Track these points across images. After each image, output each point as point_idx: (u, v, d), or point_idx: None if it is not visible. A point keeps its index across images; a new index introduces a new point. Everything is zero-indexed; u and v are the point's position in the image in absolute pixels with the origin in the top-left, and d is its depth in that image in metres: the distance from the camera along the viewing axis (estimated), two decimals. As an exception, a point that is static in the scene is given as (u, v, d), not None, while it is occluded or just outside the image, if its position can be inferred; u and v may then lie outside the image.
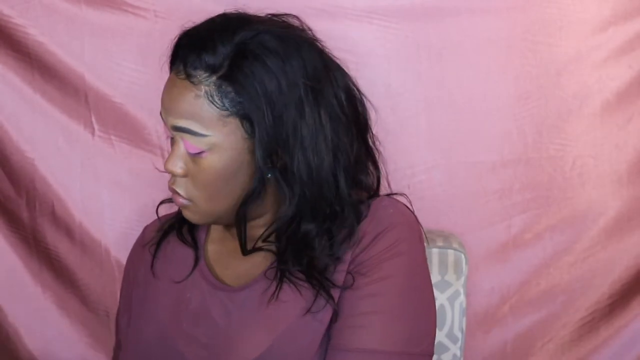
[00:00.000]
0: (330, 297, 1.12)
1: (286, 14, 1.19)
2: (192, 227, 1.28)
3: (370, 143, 1.23)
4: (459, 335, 1.43)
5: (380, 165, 1.24)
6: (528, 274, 1.62)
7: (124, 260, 1.41)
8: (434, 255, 1.43)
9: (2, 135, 1.57)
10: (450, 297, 1.41)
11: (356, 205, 1.18)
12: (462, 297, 1.42)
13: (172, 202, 1.29)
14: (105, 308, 1.62)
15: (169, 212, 1.34)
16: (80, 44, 1.54)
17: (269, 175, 1.14)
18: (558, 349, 1.63)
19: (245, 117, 1.11)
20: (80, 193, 1.59)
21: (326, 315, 1.12)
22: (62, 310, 1.62)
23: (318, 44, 1.18)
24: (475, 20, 1.54)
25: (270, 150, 1.12)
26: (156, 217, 1.33)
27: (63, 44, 1.54)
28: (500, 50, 1.55)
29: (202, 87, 1.10)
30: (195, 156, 1.12)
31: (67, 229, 1.60)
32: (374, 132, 1.24)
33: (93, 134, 1.57)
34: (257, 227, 1.20)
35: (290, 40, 1.13)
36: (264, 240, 1.18)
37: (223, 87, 1.10)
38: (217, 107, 1.10)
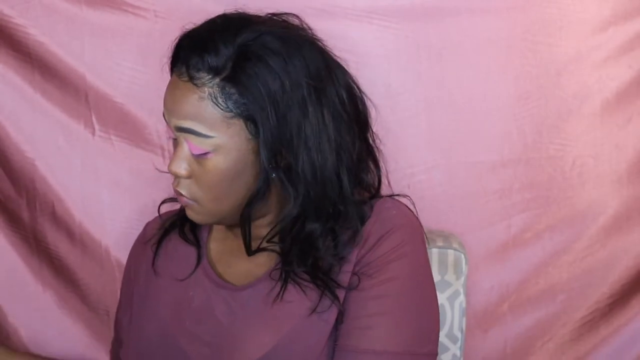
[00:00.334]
0: (336, 297, 1.13)
1: (286, 13, 1.19)
2: (194, 226, 1.29)
3: (371, 142, 1.24)
4: (459, 335, 1.43)
5: (381, 164, 1.24)
6: (528, 273, 1.62)
7: (124, 259, 1.41)
8: (434, 255, 1.43)
9: (3, 134, 1.57)
10: (450, 297, 1.41)
11: (359, 205, 1.18)
12: (462, 297, 1.43)
13: (173, 201, 1.30)
14: (106, 307, 1.62)
15: (169, 210, 1.35)
16: (80, 44, 1.54)
17: (273, 175, 1.14)
18: (558, 348, 1.63)
19: (249, 118, 1.11)
20: (81, 193, 1.59)
21: (331, 315, 1.13)
22: (62, 309, 1.62)
23: (319, 43, 1.19)
24: (475, 20, 1.54)
25: (275, 151, 1.12)
26: (157, 215, 1.34)
27: (63, 44, 1.54)
28: (500, 50, 1.55)
29: (206, 89, 1.11)
30: (199, 157, 1.13)
31: (68, 228, 1.60)
32: (374, 130, 1.24)
33: (93, 133, 1.57)
34: (260, 227, 1.20)
35: (292, 40, 1.14)
36: (269, 241, 1.18)
37: (227, 88, 1.10)
38: (221, 109, 1.11)
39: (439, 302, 1.40)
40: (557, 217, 1.61)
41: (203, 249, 1.26)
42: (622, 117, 1.59)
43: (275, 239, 1.18)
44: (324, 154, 1.14)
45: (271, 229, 1.18)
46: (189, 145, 1.13)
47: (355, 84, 1.21)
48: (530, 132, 1.58)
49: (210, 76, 1.11)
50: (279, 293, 1.14)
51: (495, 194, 1.60)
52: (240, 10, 1.18)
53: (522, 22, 1.54)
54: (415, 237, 1.18)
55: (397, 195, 1.24)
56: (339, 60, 1.20)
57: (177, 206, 1.35)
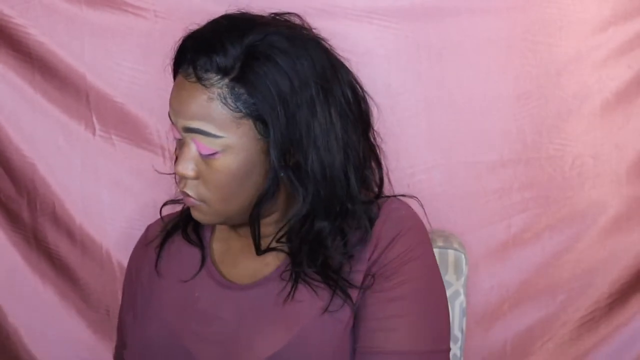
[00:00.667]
0: (348, 296, 1.13)
1: (288, 13, 1.19)
2: (197, 227, 1.28)
3: (372, 141, 1.24)
4: (459, 335, 1.43)
5: (383, 163, 1.25)
6: (527, 273, 1.62)
7: (124, 259, 1.41)
8: (434, 255, 1.43)
9: (3, 135, 1.57)
10: (450, 297, 1.41)
11: (367, 204, 1.19)
12: (462, 297, 1.43)
13: (174, 203, 1.30)
14: (106, 307, 1.62)
15: (170, 211, 1.34)
16: (80, 44, 1.54)
17: (282, 174, 1.14)
18: (558, 348, 1.63)
19: (258, 118, 1.11)
20: (81, 193, 1.59)
21: (344, 314, 1.13)
22: (62, 309, 1.62)
23: (323, 42, 1.19)
24: (475, 20, 1.54)
25: (285, 150, 1.12)
26: (159, 215, 1.34)
27: (63, 44, 1.54)
28: (500, 50, 1.55)
29: (215, 89, 1.10)
30: (207, 157, 1.12)
31: (68, 228, 1.60)
32: (375, 130, 1.25)
33: (94, 133, 1.58)
34: (267, 226, 1.21)
35: (298, 39, 1.14)
36: (278, 240, 1.19)
37: (236, 89, 1.10)
38: (231, 109, 1.10)
39: (440, 302, 1.41)
40: (557, 217, 1.61)
41: (207, 249, 1.26)
42: (622, 117, 1.59)
43: (284, 239, 1.19)
44: (332, 153, 1.14)
45: (280, 228, 1.19)
46: (197, 146, 1.13)
47: (358, 83, 1.21)
48: (530, 132, 1.58)
49: (218, 77, 1.10)
50: (289, 293, 1.14)
51: (495, 194, 1.60)
52: (242, 11, 1.18)
53: (522, 22, 1.54)
54: (425, 238, 1.21)
55: (403, 195, 1.25)
56: (342, 59, 1.20)
57: (178, 207, 1.35)
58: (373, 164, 1.24)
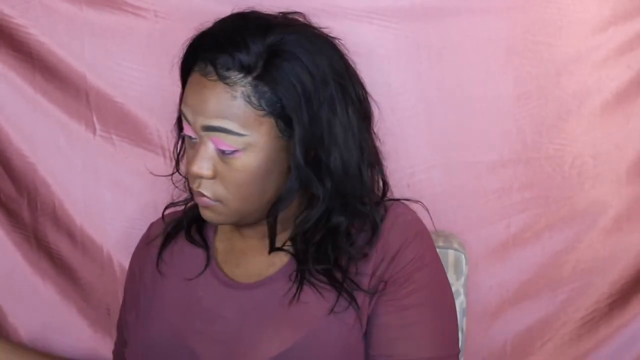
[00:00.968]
0: (353, 299, 1.13)
1: (294, 12, 1.19)
2: (201, 227, 1.28)
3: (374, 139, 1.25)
4: (459, 335, 1.42)
5: (385, 164, 1.25)
6: (527, 273, 1.62)
7: (125, 259, 1.41)
8: (434, 255, 1.43)
9: (3, 135, 1.56)
10: (450, 297, 1.41)
11: (377, 204, 1.20)
12: (462, 297, 1.43)
13: (175, 206, 1.29)
14: (107, 306, 1.62)
15: (171, 211, 1.34)
16: (80, 44, 1.54)
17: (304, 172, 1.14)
18: (557, 348, 1.63)
19: (280, 116, 1.11)
20: (82, 193, 1.59)
21: (349, 316, 1.14)
22: (62, 309, 1.62)
23: (334, 41, 1.19)
24: (475, 20, 1.54)
25: (308, 147, 1.12)
26: (160, 214, 1.33)
27: (64, 44, 1.54)
28: (500, 50, 1.55)
29: (238, 88, 1.10)
30: (227, 156, 1.12)
31: (69, 228, 1.60)
32: (375, 130, 1.25)
33: (94, 133, 1.57)
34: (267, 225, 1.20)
35: (316, 38, 1.15)
36: (292, 239, 1.19)
37: (259, 87, 1.10)
38: (254, 108, 1.10)
39: (440, 302, 1.41)
40: (557, 217, 1.61)
41: (211, 250, 1.25)
42: (622, 117, 1.59)
43: (297, 237, 1.19)
44: (350, 151, 1.15)
45: (296, 227, 1.19)
46: (218, 143, 1.12)
47: (362, 82, 1.22)
48: (530, 132, 1.58)
49: (241, 75, 1.10)
50: (295, 294, 1.14)
51: (495, 194, 1.60)
52: (251, 9, 1.18)
53: (522, 22, 1.54)
54: (432, 243, 1.22)
55: (407, 199, 1.25)
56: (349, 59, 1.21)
57: (179, 208, 1.35)
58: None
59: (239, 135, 1.10)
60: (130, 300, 1.31)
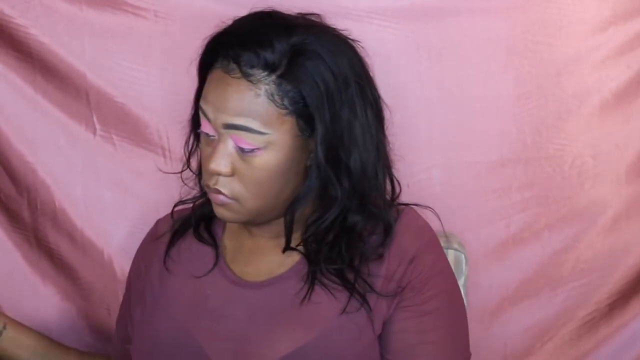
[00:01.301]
0: (365, 300, 1.14)
1: (311, 13, 1.19)
2: (208, 224, 1.28)
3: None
4: (460, 335, 1.43)
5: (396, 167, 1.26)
6: (527, 272, 1.63)
7: (125, 259, 1.41)
8: (434, 255, 1.43)
9: (3, 135, 1.56)
10: (450, 297, 1.41)
11: (390, 206, 1.21)
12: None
13: (184, 204, 1.28)
14: (107, 306, 1.61)
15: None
16: (80, 44, 1.54)
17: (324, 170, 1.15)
18: (557, 348, 1.63)
19: (301, 115, 1.11)
20: (82, 193, 1.58)
21: (360, 317, 1.14)
22: (63, 309, 1.62)
23: (352, 42, 1.19)
24: (475, 20, 1.54)
25: (329, 147, 1.12)
26: (160, 215, 1.33)
27: (64, 44, 1.53)
28: (500, 50, 1.55)
29: (262, 85, 1.10)
30: (247, 154, 1.12)
31: (69, 228, 1.59)
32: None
33: (94, 133, 1.57)
34: (280, 225, 1.20)
35: (337, 39, 1.16)
36: (307, 238, 1.18)
37: (283, 85, 1.10)
38: (277, 106, 1.10)
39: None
40: (557, 217, 1.61)
41: (220, 248, 1.25)
42: (622, 117, 1.59)
43: (311, 237, 1.19)
44: (368, 152, 1.16)
45: (309, 227, 1.19)
46: (238, 141, 1.11)
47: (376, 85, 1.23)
48: (529, 132, 1.58)
49: (265, 73, 1.10)
50: (306, 294, 1.15)
51: (495, 194, 1.60)
52: (267, 9, 1.18)
53: (522, 22, 1.54)
54: (442, 249, 1.24)
55: (416, 204, 1.26)
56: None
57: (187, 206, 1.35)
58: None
59: (261, 134, 1.10)
60: (136, 296, 1.31)
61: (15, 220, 1.60)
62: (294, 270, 1.18)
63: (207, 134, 1.15)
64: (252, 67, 1.10)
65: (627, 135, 1.59)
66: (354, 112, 1.14)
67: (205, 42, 1.16)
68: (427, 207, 1.27)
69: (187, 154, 1.27)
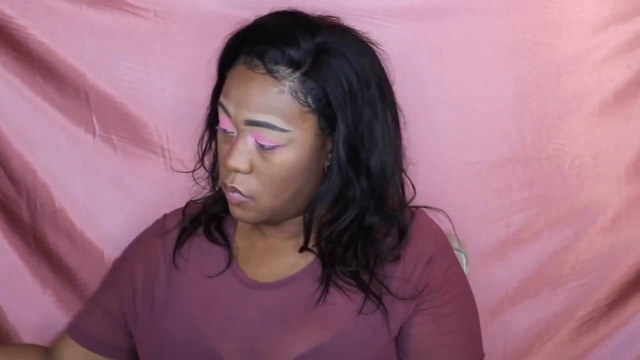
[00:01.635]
0: (381, 301, 1.14)
1: (330, 16, 1.20)
2: (219, 224, 1.27)
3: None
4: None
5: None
6: (527, 272, 1.63)
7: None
8: (434, 255, 1.43)
9: (3, 135, 1.56)
10: (451, 297, 1.42)
11: (403, 208, 1.21)
12: (463, 297, 1.43)
13: (196, 203, 1.28)
14: (106, 307, 1.62)
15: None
16: (80, 44, 1.53)
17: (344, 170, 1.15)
18: (557, 348, 1.64)
19: (323, 114, 1.12)
20: (82, 193, 1.58)
21: (377, 319, 1.14)
22: (62, 309, 1.61)
23: (373, 46, 1.20)
24: (475, 20, 1.54)
25: (351, 146, 1.12)
26: (160, 215, 1.33)
27: (64, 44, 1.53)
28: (500, 50, 1.55)
29: (286, 82, 1.10)
30: (267, 151, 1.11)
31: (68, 229, 1.59)
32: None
33: (94, 134, 1.57)
34: (292, 225, 1.20)
35: (358, 39, 1.16)
36: (326, 239, 1.18)
37: (307, 83, 1.10)
38: (300, 103, 1.10)
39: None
40: (556, 217, 1.61)
41: (232, 249, 1.25)
42: (621, 116, 1.59)
43: (327, 238, 1.19)
44: (388, 154, 1.16)
45: (330, 227, 1.18)
46: (259, 138, 1.11)
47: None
48: (529, 132, 1.58)
49: (290, 70, 1.10)
50: (321, 295, 1.15)
51: (495, 194, 1.60)
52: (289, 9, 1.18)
53: (522, 22, 1.54)
54: (452, 250, 1.25)
55: (427, 207, 1.26)
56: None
57: (178, 205, 1.34)
58: None
59: (283, 131, 1.10)
60: (144, 292, 1.28)
61: (14, 221, 1.60)
62: (307, 271, 1.18)
63: (225, 131, 1.15)
64: (276, 63, 1.10)
65: (627, 135, 1.59)
66: (375, 113, 1.14)
67: (226, 39, 1.16)
68: (438, 209, 1.27)
69: (200, 153, 1.26)
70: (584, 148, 1.59)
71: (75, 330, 1.34)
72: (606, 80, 1.57)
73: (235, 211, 1.17)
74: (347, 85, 1.11)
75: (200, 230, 1.27)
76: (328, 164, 1.16)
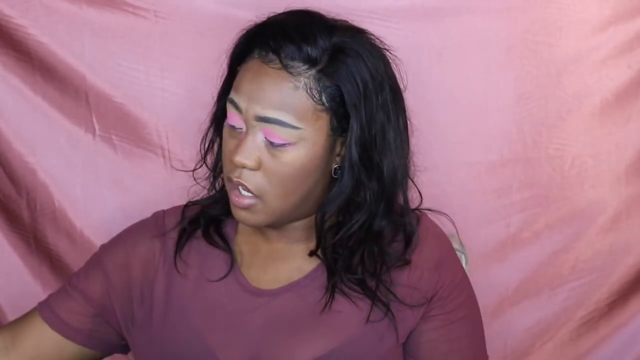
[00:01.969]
0: (388, 309, 1.13)
1: (343, 20, 1.19)
2: (218, 227, 1.24)
3: None
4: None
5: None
6: (527, 272, 1.63)
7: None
8: (434, 255, 1.43)
9: (3, 135, 1.56)
10: (451, 297, 1.42)
11: (409, 212, 1.19)
12: (463, 297, 1.43)
13: (195, 204, 1.26)
14: (106, 307, 1.62)
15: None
16: (80, 44, 1.54)
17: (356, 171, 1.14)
18: (557, 348, 1.64)
19: (336, 113, 1.10)
20: (82, 193, 1.58)
21: (384, 326, 1.13)
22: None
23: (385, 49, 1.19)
24: (475, 20, 1.54)
25: (363, 148, 1.11)
26: (162, 209, 1.31)
27: (64, 44, 1.53)
28: (500, 50, 1.55)
29: (302, 78, 1.08)
30: (276, 148, 1.09)
31: (68, 229, 1.59)
32: None
33: (94, 134, 1.57)
34: (295, 230, 1.18)
35: (373, 43, 1.15)
36: (334, 244, 1.16)
37: (322, 80, 1.09)
38: (314, 101, 1.08)
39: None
40: (556, 217, 1.61)
41: (234, 254, 1.21)
42: (622, 116, 1.59)
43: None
44: (399, 159, 1.15)
45: (342, 232, 1.16)
46: (269, 135, 1.09)
47: None
48: (529, 132, 1.58)
49: (306, 67, 1.08)
50: (327, 303, 1.13)
51: (495, 194, 1.60)
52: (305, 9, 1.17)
53: (522, 22, 1.54)
54: (457, 255, 1.24)
55: (429, 209, 1.24)
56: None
57: (172, 204, 1.34)
58: None
59: (294, 129, 1.08)
60: (142, 294, 1.23)
61: (14, 221, 1.60)
62: (312, 276, 1.16)
63: (233, 127, 1.12)
64: (293, 59, 1.08)
65: (627, 135, 1.60)
66: (388, 116, 1.13)
67: (239, 35, 1.14)
68: (442, 213, 1.25)
69: (202, 151, 1.22)
70: (584, 148, 1.60)
71: (47, 310, 1.25)
72: (606, 80, 1.57)
73: (240, 214, 1.14)
74: (363, 85, 1.10)
75: (199, 232, 1.24)
76: (336, 166, 1.14)
